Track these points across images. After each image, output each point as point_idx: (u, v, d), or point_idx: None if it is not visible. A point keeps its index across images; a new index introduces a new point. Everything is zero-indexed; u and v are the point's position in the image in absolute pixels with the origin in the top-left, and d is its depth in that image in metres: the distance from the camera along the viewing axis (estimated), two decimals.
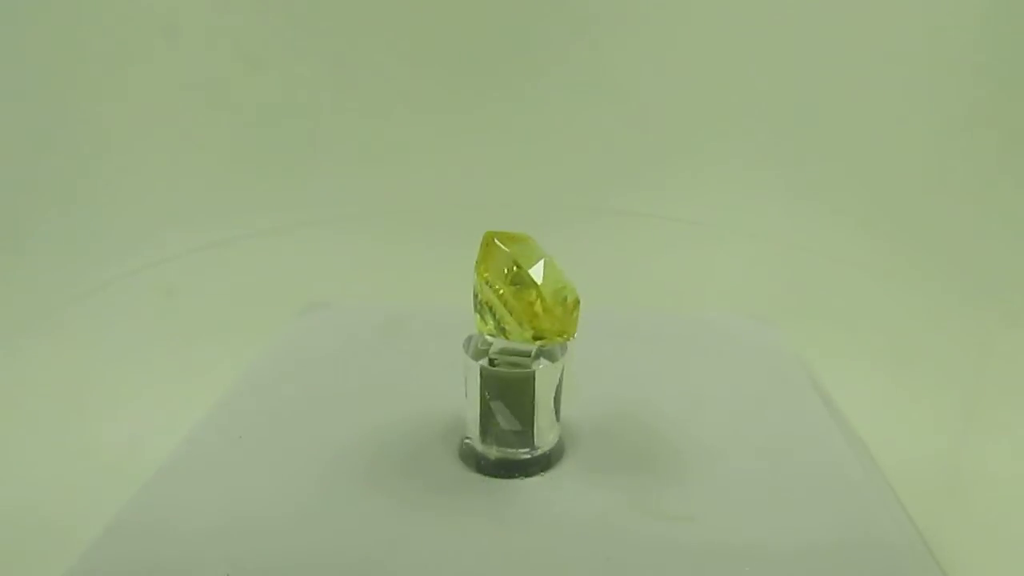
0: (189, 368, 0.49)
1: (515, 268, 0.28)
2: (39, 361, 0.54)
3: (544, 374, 0.29)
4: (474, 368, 0.29)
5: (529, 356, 0.30)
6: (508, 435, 0.30)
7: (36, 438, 0.47)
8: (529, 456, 0.30)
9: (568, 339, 0.29)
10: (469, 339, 0.30)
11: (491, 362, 0.30)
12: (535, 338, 0.28)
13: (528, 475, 0.30)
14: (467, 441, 0.31)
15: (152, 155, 0.62)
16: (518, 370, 0.29)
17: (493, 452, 0.30)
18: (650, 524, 0.28)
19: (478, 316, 0.29)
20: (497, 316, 0.28)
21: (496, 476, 0.30)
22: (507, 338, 0.29)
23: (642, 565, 0.26)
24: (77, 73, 0.60)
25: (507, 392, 0.29)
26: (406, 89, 0.64)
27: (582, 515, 0.28)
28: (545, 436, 0.31)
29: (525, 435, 0.30)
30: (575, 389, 0.35)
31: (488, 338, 0.29)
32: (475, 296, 0.29)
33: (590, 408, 0.34)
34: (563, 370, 0.30)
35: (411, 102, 0.64)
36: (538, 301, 0.28)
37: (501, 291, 0.28)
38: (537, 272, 0.28)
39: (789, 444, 0.32)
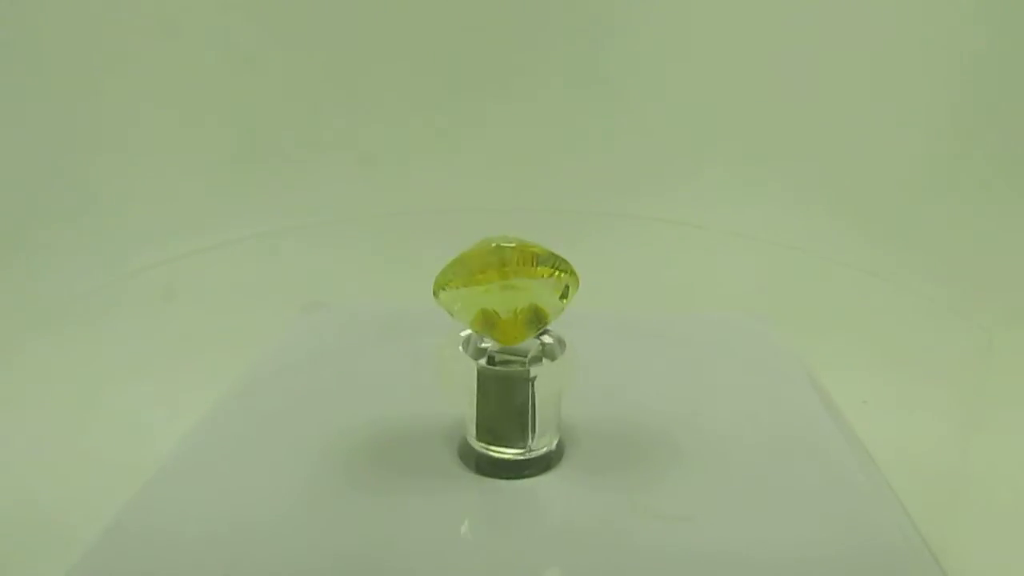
0: (189, 369, 0.49)
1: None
2: (39, 362, 0.54)
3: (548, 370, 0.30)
4: (525, 376, 0.29)
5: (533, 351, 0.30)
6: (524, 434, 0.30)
7: (36, 438, 0.47)
8: (532, 456, 0.30)
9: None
10: (468, 340, 0.30)
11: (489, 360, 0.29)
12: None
13: (528, 476, 0.30)
14: (490, 450, 0.31)
15: (152, 158, 0.62)
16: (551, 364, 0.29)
17: (526, 453, 0.30)
18: (650, 524, 0.28)
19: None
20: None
21: (496, 476, 0.30)
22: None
23: (642, 565, 0.26)
24: (77, 75, 0.60)
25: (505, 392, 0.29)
26: (408, 92, 0.64)
27: (582, 515, 0.28)
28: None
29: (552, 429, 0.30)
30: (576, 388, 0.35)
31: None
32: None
33: (590, 408, 0.34)
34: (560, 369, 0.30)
35: (413, 105, 0.64)
36: None
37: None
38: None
39: (789, 444, 0.32)
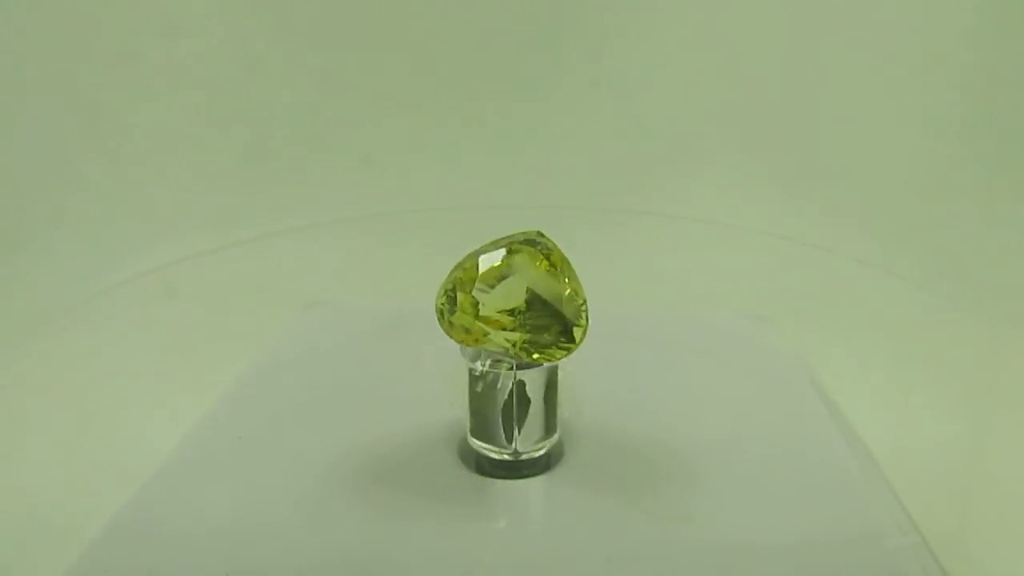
0: (189, 368, 0.49)
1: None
2: (41, 363, 0.54)
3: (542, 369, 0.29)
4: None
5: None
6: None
7: (37, 438, 0.47)
8: (532, 456, 0.30)
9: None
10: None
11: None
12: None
13: (528, 475, 0.30)
14: (489, 450, 0.30)
15: (152, 159, 0.62)
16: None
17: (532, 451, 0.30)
18: (650, 524, 0.28)
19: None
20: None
21: (496, 476, 0.30)
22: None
23: (642, 565, 0.26)
24: (77, 76, 0.60)
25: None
26: (407, 90, 0.64)
27: (582, 515, 0.28)
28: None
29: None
30: (575, 388, 0.35)
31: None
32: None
33: (590, 408, 0.34)
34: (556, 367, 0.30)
35: (411, 103, 0.64)
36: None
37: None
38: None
39: (789, 444, 0.32)
